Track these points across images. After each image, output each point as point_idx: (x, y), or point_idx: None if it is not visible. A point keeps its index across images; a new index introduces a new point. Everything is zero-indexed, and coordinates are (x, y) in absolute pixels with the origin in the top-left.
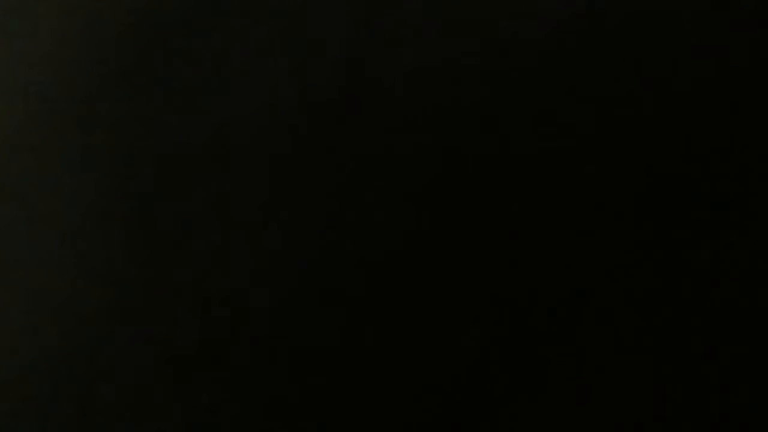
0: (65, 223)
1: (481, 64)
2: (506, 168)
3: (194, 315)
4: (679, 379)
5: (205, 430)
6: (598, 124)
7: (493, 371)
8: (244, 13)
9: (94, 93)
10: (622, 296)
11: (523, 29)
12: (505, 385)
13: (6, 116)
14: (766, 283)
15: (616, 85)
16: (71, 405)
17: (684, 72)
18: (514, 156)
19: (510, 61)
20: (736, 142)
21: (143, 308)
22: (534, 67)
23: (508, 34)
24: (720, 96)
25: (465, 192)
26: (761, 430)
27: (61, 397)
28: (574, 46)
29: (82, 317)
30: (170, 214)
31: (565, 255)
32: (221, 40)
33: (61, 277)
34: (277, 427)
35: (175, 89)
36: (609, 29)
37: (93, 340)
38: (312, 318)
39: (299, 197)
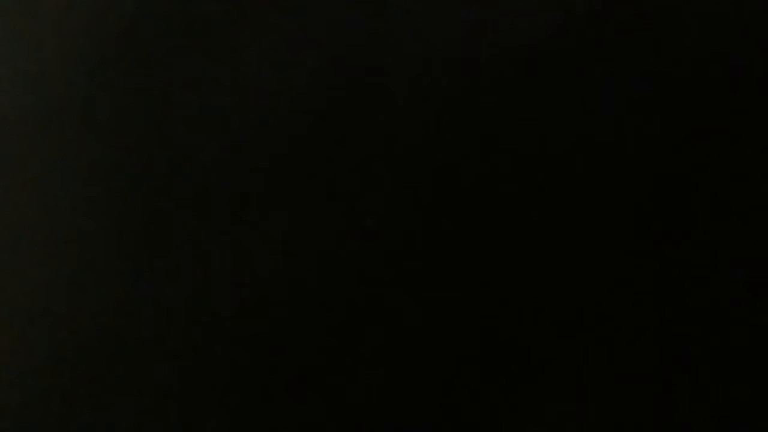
0: (65, 223)
1: (482, 64)
2: (506, 168)
3: (194, 315)
4: (679, 379)
5: (205, 430)
6: (600, 123)
7: (493, 371)
8: (245, 12)
9: (93, 93)
10: (622, 296)
11: (524, 29)
12: (505, 385)
13: (6, 116)
14: (766, 283)
15: (618, 84)
16: (71, 405)
17: (683, 72)
18: (515, 156)
19: (511, 61)
20: (736, 142)
21: (143, 308)
22: (535, 67)
23: (510, 33)
24: (720, 96)
25: (464, 192)
26: (761, 430)
27: (61, 397)
28: (575, 45)
29: (82, 317)
30: (171, 213)
31: (565, 255)
32: (222, 39)
33: (61, 276)
34: (277, 427)
35: (176, 89)
36: (610, 28)
37: (93, 340)
38: (312, 318)
39: (299, 198)
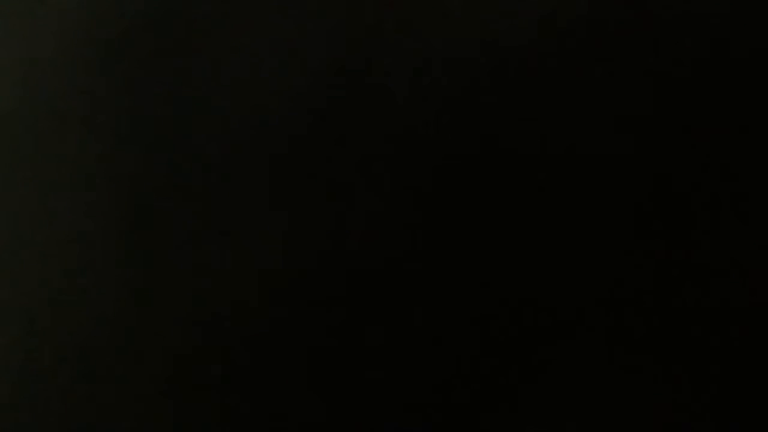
0: (65, 223)
1: (482, 64)
2: (506, 168)
3: (194, 315)
4: (679, 379)
5: (205, 429)
6: (600, 123)
7: (492, 371)
8: (245, 12)
9: (93, 93)
10: (622, 296)
11: (524, 29)
12: (505, 385)
13: (6, 116)
14: (766, 283)
15: (619, 83)
16: (71, 405)
17: (684, 71)
18: (515, 156)
19: (511, 61)
20: (736, 142)
21: (143, 308)
22: (535, 67)
23: (510, 33)
24: (720, 96)
25: (465, 192)
26: (761, 430)
27: (61, 397)
28: (575, 45)
29: (82, 317)
30: (171, 213)
31: (565, 254)
32: (222, 39)
33: (61, 277)
34: (277, 427)
35: (176, 89)
36: (610, 29)
37: (93, 340)
38: (312, 317)
39: (300, 198)
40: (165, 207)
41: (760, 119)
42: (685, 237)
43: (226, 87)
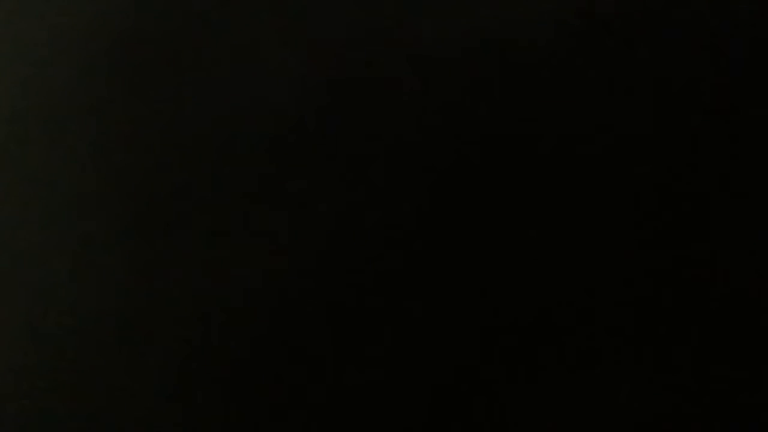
0: (66, 224)
1: (482, 64)
2: (507, 168)
3: (194, 315)
4: (679, 379)
5: (206, 430)
6: (600, 123)
7: (493, 371)
8: (245, 13)
9: (94, 93)
10: (622, 296)
11: (524, 29)
12: (505, 385)
13: (6, 116)
14: (766, 283)
15: (619, 83)
16: (71, 405)
17: (684, 71)
18: (515, 156)
19: (511, 61)
20: (736, 142)
21: (143, 308)
22: (536, 67)
23: (510, 33)
24: (720, 96)
25: (465, 192)
26: (761, 430)
27: (61, 397)
28: (575, 45)
29: (82, 317)
30: (171, 213)
31: (565, 254)
32: (222, 39)
33: (61, 277)
34: (277, 427)
35: (176, 89)
36: (610, 29)
37: (93, 340)
38: (312, 317)
39: (301, 198)
40: (165, 207)
41: (761, 119)
42: (686, 237)
43: (226, 87)
